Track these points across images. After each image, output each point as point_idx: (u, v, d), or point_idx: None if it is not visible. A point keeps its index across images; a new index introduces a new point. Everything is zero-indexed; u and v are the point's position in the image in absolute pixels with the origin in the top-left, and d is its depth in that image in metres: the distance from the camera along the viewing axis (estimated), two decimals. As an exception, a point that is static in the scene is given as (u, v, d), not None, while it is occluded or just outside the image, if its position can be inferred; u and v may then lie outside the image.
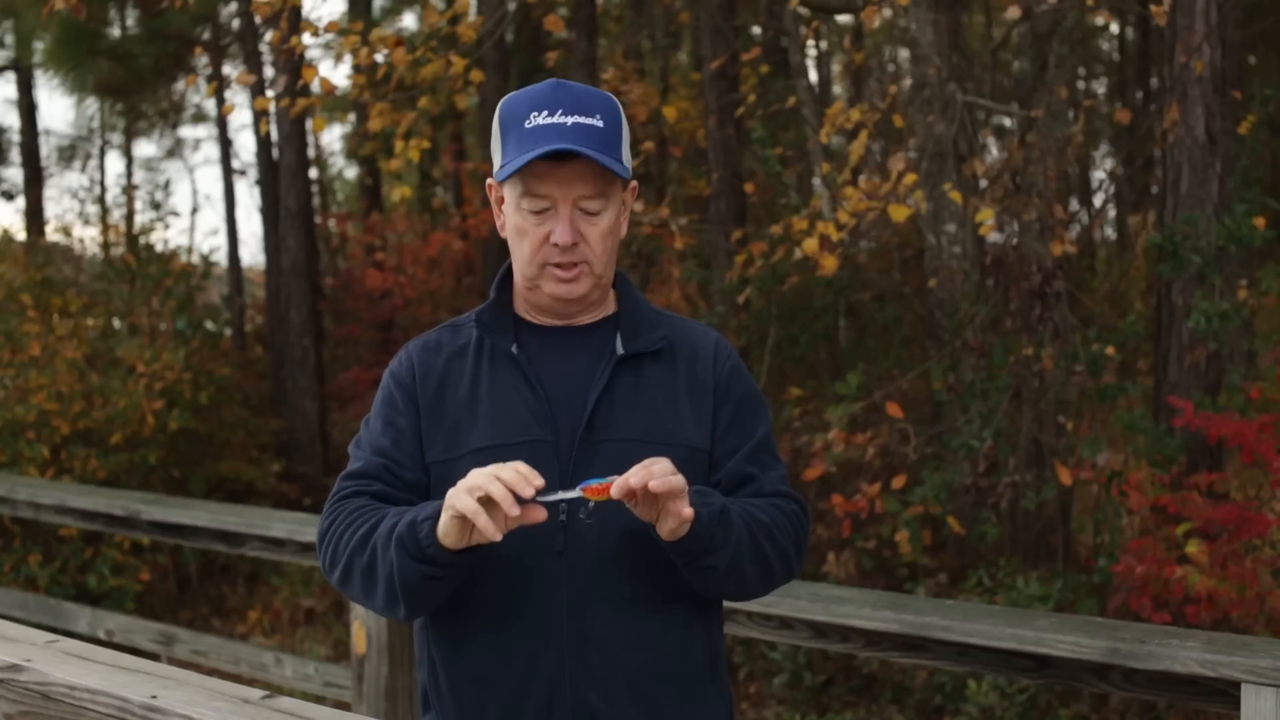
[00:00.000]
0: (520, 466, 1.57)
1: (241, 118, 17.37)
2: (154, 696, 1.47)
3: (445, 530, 1.59)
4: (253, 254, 22.43)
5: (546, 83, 1.77)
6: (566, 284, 1.77)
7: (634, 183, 1.86)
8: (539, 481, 1.56)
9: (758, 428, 1.87)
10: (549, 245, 1.75)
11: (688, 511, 1.61)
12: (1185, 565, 4.43)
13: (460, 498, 1.56)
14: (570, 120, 1.71)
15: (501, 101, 1.81)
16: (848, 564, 5.92)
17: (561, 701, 1.74)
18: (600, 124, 1.73)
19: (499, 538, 1.56)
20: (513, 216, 1.78)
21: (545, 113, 1.72)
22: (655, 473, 1.58)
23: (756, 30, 9.89)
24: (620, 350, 1.81)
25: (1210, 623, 4.30)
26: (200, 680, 1.53)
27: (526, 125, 1.72)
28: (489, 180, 1.85)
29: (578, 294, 1.79)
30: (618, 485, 1.59)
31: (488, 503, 1.56)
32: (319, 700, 4.14)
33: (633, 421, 1.77)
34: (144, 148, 25.36)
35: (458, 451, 1.77)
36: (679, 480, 1.60)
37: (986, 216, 5.25)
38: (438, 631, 1.81)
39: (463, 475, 1.73)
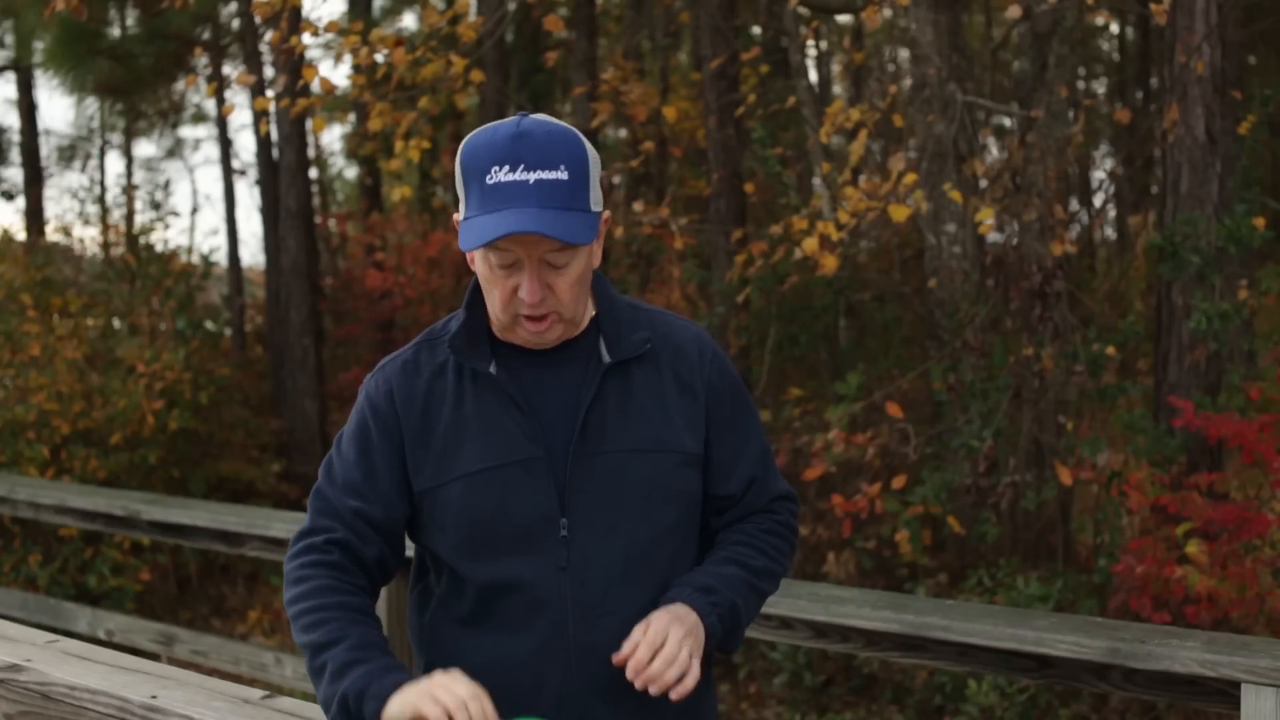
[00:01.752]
0: (487, 708, 1.56)
1: (241, 118, 17.36)
2: (154, 696, 1.47)
3: (395, 716, 1.57)
4: (253, 254, 22.41)
5: (507, 129, 1.67)
6: (539, 334, 1.73)
7: (607, 212, 1.79)
8: None
9: (752, 426, 1.87)
10: (517, 298, 1.70)
11: (694, 676, 1.66)
12: (1185, 565, 4.43)
13: (426, 704, 1.54)
14: (533, 178, 1.63)
15: (463, 144, 1.71)
16: (848, 564, 5.92)
17: (568, 715, 1.73)
18: (565, 176, 1.65)
19: None
20: (480, 264, 1.72)
21: (507, 168, 1.64)
22: (653, 675, 1.63)
23: (756, 30, 9.89)
24: (606, 358, 1.78)
25: (1210, 623, 4.30)
26: (200, 680, 1.53)
27: (488, 181, 1.64)
28: (455, 215, 1.77)
29: (550, 339, 1.75)
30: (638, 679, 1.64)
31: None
32: (319, 700, 4.13)
33: (626, 431, 1.75)
34: (144, 148, 25.35)
35: (447, 476, 1.74)
36: (673, 671, 1.64)
37: (986, 216, 5.25)
38: (440, 644, 1.80)
39: (454, 499, 1.73)
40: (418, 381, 1.78)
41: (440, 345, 1.80)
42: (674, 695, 1.64)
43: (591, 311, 1.82)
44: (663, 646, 1.64)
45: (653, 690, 1.62)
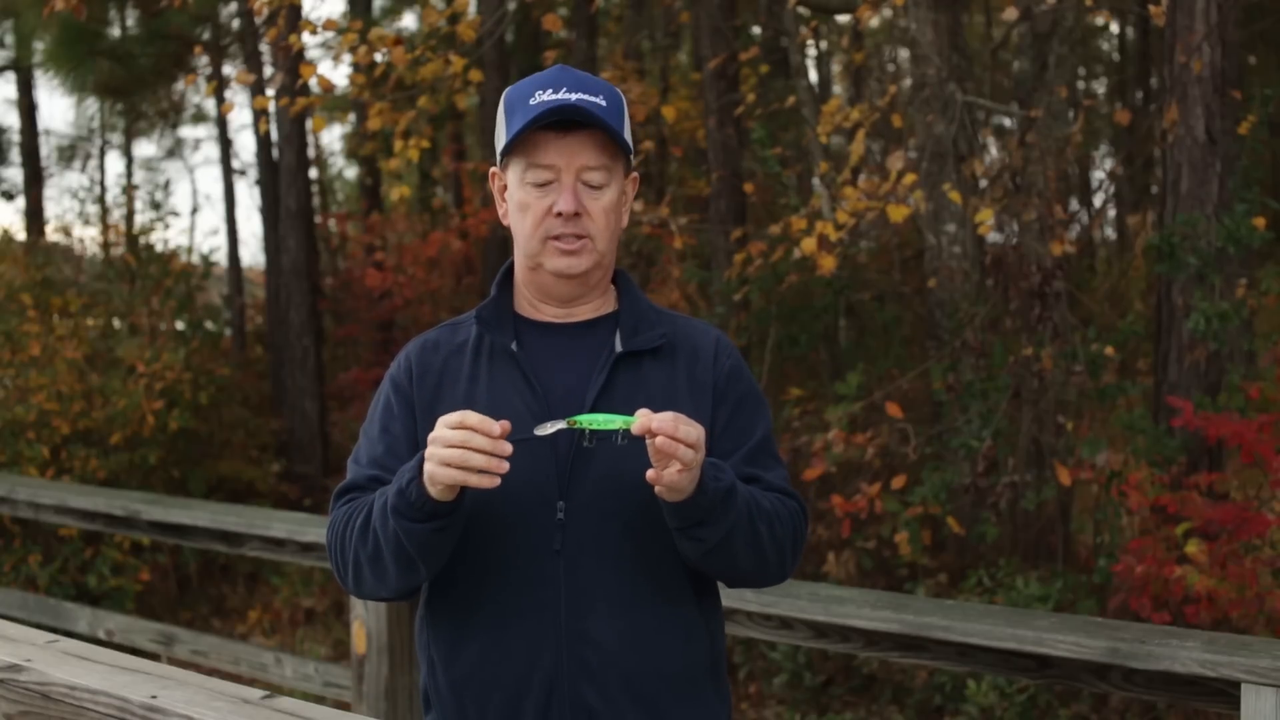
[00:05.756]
0: (486, 427, 1.57)
1: (241, 118, 17.37)
2: (154, 696, 1.47)
3: (438, 495, 1.61)
4: (253, 254, 22.38)
5: (551, 67, 1.81)
6: (569, 257, 1.77)
7: (635, 174, 1.88)
8: (500, 429, 1.58)
9: (756, 428, 1.86)
10: (552, 217, 1.75)
11: (653, 474, 1.59)
12: (1185, 565, 4.43)
13: (444, 473, 1.57)
14: (575, 96, 1.74)
15: (507, 89, 1.84)
16: (848, 564, 5.92)
17: (560, 701, 1.73)
18: (604, 103, 1.76)
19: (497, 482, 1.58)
20: (516, 194, 1.79)
21: (550, 90, 1.75)
22: (669, 428, 1.56)
23: (756, 30, 9.89)
24: (619, 348, 1.81)
25: (1210, 623, 4.30)
26: (200, 680, 1.53)
27: (531, 102, 1.75)
28: (492, 170, 1.87)
29: (580, 269, 1.78)
30: (640, 424, 1.57)
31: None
32: (319, 700, 4.14)
33: None
34: (144, 148, 25.34)
35: None
36: (686, 453, 1.57)
37: (986, 216, 5.25)
38: (437, 632, 1.81)
39: None
40: (435, 358, 1.84)
41: (463, 326, 1.87)
42: (660, 472, 1.59)
43: (614, 306, 1.87)
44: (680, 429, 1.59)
45: (658, 442, 1.56)
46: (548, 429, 1.63)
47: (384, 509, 1.67)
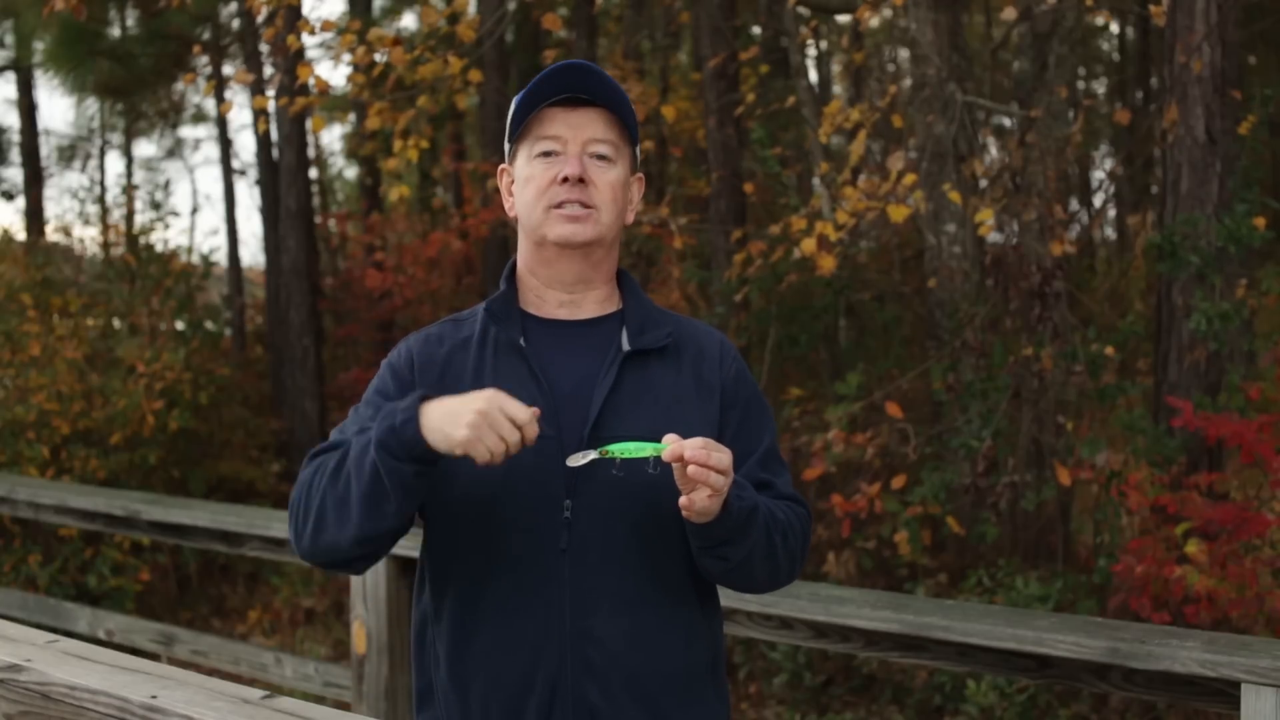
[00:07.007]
0: (519, 416, 1.59)
1: (241, 118, 17.41)
2: (154, 696, 1.47)
3: (435, 443, 1.61)
4: (253, 254, 22.43)
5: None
6: (573, 224, 1.77)
7: (640, 174, 1.89)
8: (536, 412, 1.61)
9: (765, 432, 1.88)
10: (557, 185, 1.76)
11: (685, 501, 1.61)
12: (1185, 565, 4.43)
13: (475, 448, 1.58)
14: (584, 77, 1.78)
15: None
16: (848, 564, 5.92)
17: (563, 699, 1.73)
18: (614, 84, 1.80)
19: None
20: (524, 170, 1.81)
21: (559, 75, 1.79)
22: (701, 456, 1.57)
23: (756, 30, 9.89)
24: (626, 346, 1.80)
25: (1210, 623, 4.30)
26: (200, 680, 1.53)
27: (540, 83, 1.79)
28: (501, 166, 1.89)
29: (584, 238, 1.78)
30: (672, 451, 1.59)
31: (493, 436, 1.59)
32: (319, 700, 4.14)
33: (640, 419, 1.75)
34: (144, 148, 25.33)
35: None
36: (718, 479, 1.59)
37: (986, 216, 5.25)
38: (440, 629, 1.81)
39: (463, 469, 1.71)
40: (438, 351, 1.83)
41: (466, 323, 1.87)
42: (690, 500, 1.61)
43: (618, 305, 1.86)
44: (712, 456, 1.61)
45: (690, 470, 1.58)
46: (580, 460, 1.65)
47: (364, 446, 1.66)
